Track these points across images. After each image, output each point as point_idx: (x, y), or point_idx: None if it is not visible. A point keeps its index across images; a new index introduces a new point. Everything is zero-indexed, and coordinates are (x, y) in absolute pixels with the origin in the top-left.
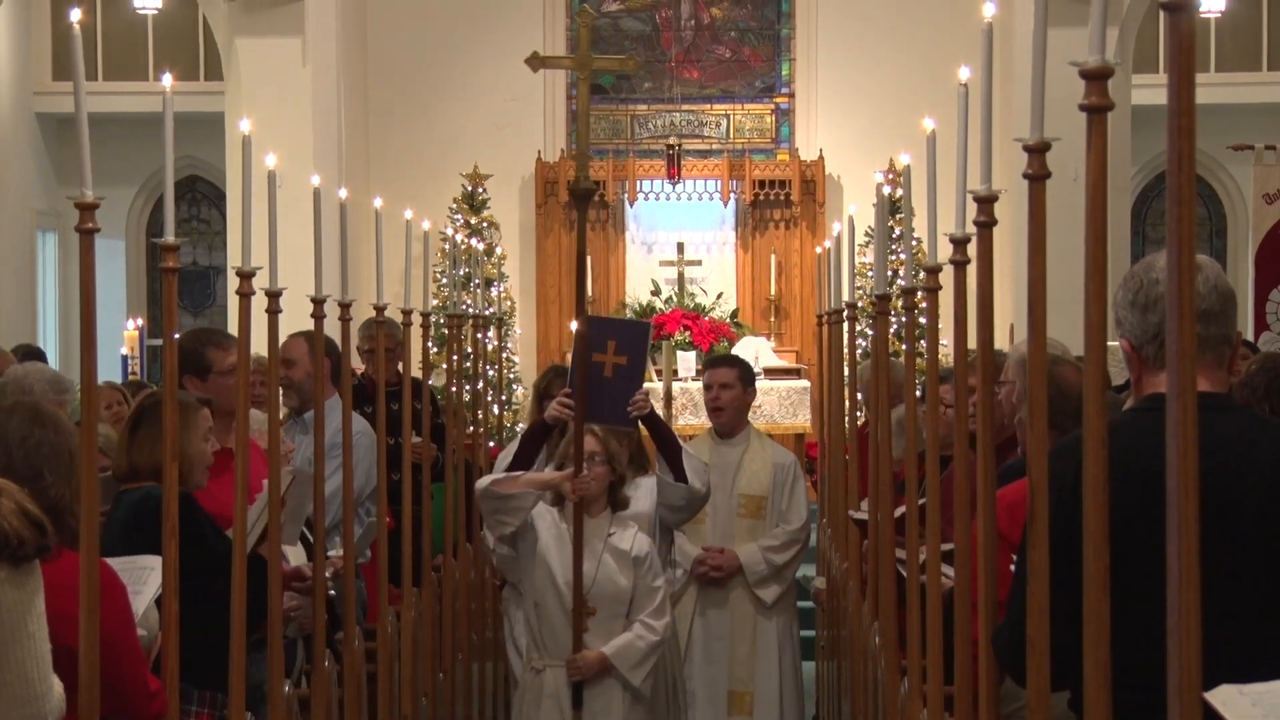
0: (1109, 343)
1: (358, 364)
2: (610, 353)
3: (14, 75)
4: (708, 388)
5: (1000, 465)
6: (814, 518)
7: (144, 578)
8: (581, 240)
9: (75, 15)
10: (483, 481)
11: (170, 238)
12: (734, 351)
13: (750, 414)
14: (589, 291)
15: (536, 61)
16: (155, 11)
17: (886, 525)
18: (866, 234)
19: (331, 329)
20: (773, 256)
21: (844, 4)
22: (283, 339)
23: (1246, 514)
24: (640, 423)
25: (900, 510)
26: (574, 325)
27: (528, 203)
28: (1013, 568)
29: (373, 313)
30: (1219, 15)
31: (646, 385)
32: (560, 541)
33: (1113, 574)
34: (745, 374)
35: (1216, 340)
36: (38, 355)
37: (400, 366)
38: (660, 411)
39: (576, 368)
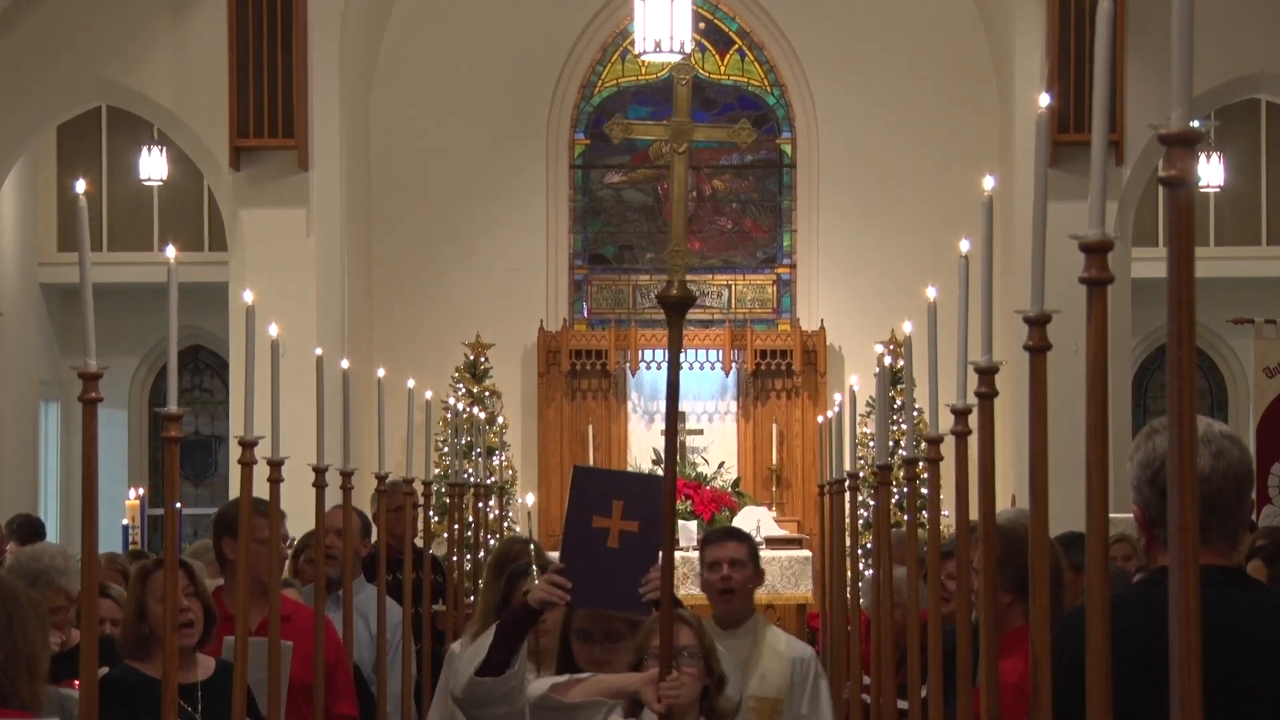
0: (1114, 514)
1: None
2: (616, 515)
3: (19, 246)
4: (713, 565)
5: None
6: None
7: None
8: (674, 367)
9: (81, 186)
10: (534, 688)
11: (173, 407)
12: (735, 522)
13: None
14: (590, 455)
15: (620, 129)
16: (160, 183)
17: (889, 710)
18: (868, 404)
19: (333, 498)
20: (774, 426)
21: (845, 176)
22: (285, 508)
23: (1261, 688)
24: (655, 609)
25: (903, 705)
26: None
27: (530, 372)
28: None
29: (375, 482)
30: (1218, 190)
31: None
32: None
33: None
34: (754, 551)
35: (1232, 526)
36: (36, 525)
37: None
38: None
39: (570, 534)
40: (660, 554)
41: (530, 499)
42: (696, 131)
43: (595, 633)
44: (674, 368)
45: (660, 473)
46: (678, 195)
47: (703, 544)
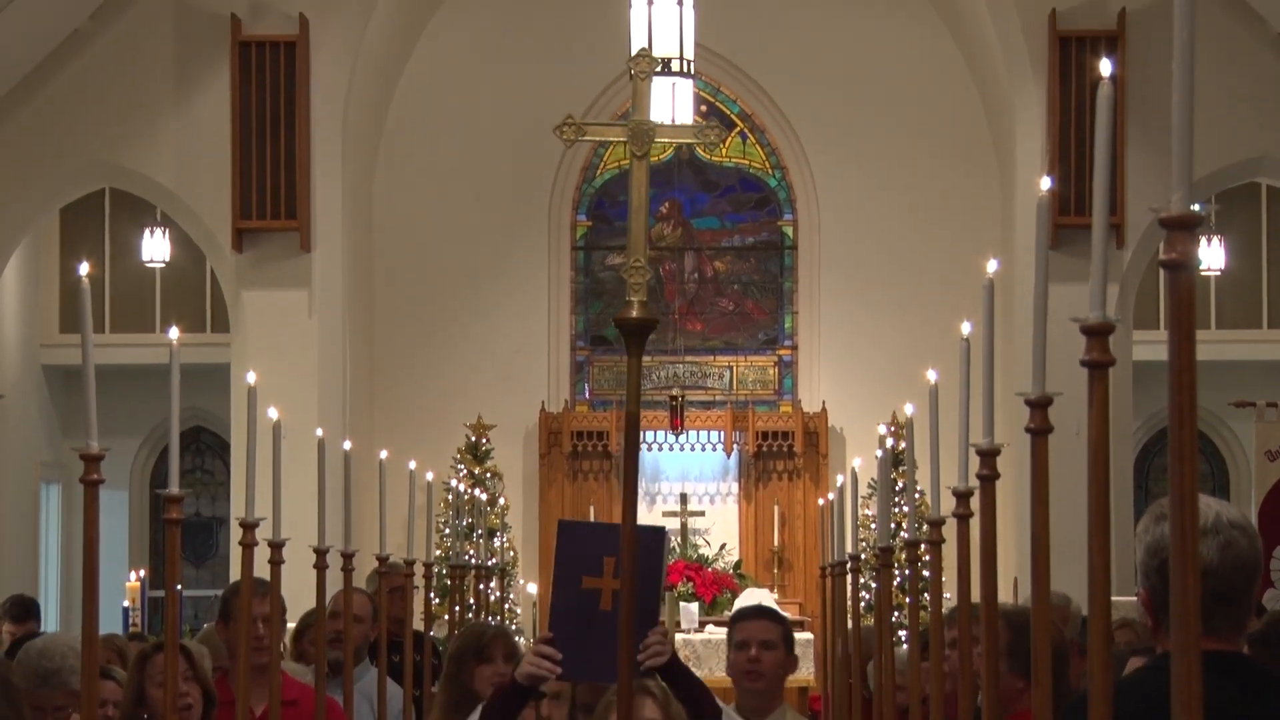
0: (1116, 598)
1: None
2: (608, 574)
3: (21, 328)
4: (742, 646)
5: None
6: None
7: None
8: (634, 399)
9: (84, 269)
10: None
11: (175, 489)
12: (736, 604)
13: None
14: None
15: (573, 132)
16: (163, 265)
17: None
18: (869, 486)
19: (334, 579)
20: (776, 508)
21: (846, 259)
22: (286, 589)
23: None
24: (658, 675)
25: None
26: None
27: (531, 453)
28: None
29: (375, 563)
30: (1219, 273)
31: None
32: None
33: None
34: (789, 633)
35: (1239, 616)
36: (29, 605)
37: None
38: None
39: (558, 599)
40: (658, 615)
41: (520, 582)
42: (661, 133)
43: (597, 705)
44: (634, 400)
45: (660, 526)
46: (637, 204)
47: (732, 621)
